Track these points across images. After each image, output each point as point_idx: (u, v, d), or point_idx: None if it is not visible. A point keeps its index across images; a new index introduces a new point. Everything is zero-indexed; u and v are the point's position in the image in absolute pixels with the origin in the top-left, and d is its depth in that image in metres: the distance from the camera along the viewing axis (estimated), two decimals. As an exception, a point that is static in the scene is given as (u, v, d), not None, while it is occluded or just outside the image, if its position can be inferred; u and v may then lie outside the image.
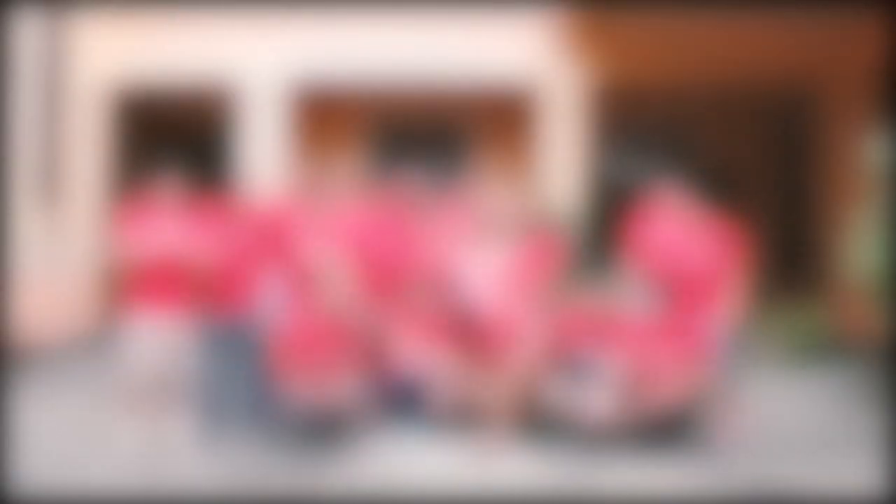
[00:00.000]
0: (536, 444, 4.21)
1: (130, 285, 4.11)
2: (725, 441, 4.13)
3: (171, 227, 4.15)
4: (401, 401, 4.32)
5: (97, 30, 8.47)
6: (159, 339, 4.09)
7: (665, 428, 4.06)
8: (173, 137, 10.82)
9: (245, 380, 4.60)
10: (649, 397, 4.12)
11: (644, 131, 11.06)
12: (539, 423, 4.74)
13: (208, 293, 4.51)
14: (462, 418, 4.78)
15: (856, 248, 5.01)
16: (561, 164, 8.36)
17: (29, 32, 7.13)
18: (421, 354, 4.49)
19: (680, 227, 4.76)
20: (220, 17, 8.47)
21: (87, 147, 8.31)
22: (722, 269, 4.53)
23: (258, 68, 8.52)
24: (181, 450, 4.04)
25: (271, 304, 4.94)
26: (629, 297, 4.43)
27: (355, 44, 8.53)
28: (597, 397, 4.08)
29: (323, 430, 4.34)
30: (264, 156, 8.43)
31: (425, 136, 10.85)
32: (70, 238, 7.99)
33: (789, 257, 11.53)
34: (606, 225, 5.00)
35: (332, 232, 4.89)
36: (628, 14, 7.91)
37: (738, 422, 4.30)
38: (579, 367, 4.23)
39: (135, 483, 3.47)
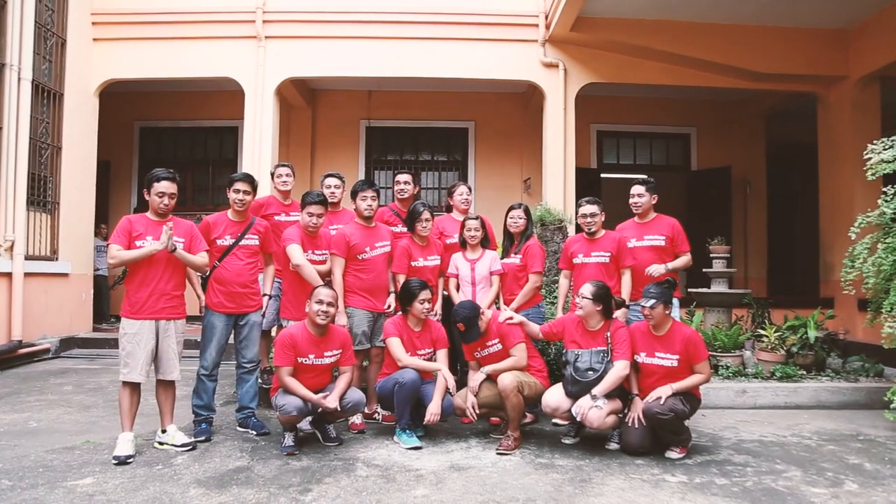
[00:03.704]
0: (536, 444, 4.19)
1: (128, 286, 4.03)
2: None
3: (168, 228, 4.07)
4: (398, 402, 4.24)
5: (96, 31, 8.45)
6: (154, 340, 4.01)
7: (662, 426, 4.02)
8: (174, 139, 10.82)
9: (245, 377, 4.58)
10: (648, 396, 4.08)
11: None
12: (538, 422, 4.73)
13: (207, 293, 4.45)
14: (460, 419, 4.75)
15: (860, 252, 4.96)
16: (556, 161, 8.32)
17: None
18: (418, 354, 4.43)
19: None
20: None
21: (83, 147, 8.23)
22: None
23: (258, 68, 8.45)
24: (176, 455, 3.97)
25: (268, 304, 4.89)
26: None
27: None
28: (594, 398, 4.02)
29: (319, 429, 4.31)
30: (262, 155, 8.34)
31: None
32: (65, 239, 7.91)
33: (792, 263, 11.56)
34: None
35: (329, 234, 4.84)
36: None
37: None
38: (577, 367, 4.18)
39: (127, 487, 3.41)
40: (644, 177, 5.22)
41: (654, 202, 5.05)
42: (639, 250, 4.93)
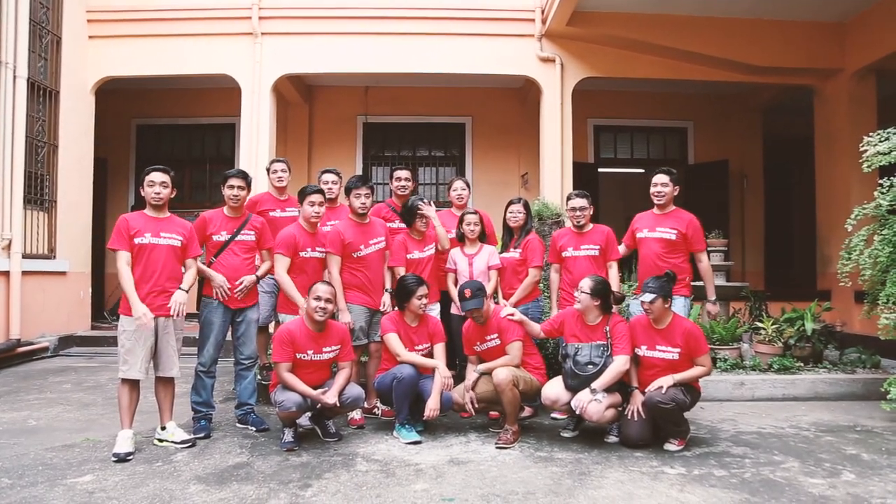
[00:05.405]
0: (535, 438, 4.19)
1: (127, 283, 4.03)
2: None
3: (164, 226, 4.06)
4: (397, 397, 4.25)
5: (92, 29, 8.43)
6: (154, 337, 4.00)
7: (662, 419, 4.04)
8: (169, 136, 10.79)
9: (243, 373, 4.58)
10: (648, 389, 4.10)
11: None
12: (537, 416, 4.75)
13: (205, 287, 4.45)
14: (459, 414, 4.77)
15: (856, 245, 4.97)
16: (553, 155, 8.32)
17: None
18: (415, 349, 4.44)
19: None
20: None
21: (80, 145, 8.21)
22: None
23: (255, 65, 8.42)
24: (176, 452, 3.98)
25: (264, 301, 4.91)
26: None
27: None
28: (594, 392, 4.03)
29: (319, 424, 4.31)
30: (260, 151, 8.31)
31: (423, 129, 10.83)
32: (62, 238, 7.89)
33: (789, 256, 11.55)
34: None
35: (325, 232, 4.84)
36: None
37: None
38: (576, 361, 4.19)
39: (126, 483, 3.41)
40: (663, 168, 5.07)
41: (675, 193, 4.93)
42: (648, 241, 4.88)
